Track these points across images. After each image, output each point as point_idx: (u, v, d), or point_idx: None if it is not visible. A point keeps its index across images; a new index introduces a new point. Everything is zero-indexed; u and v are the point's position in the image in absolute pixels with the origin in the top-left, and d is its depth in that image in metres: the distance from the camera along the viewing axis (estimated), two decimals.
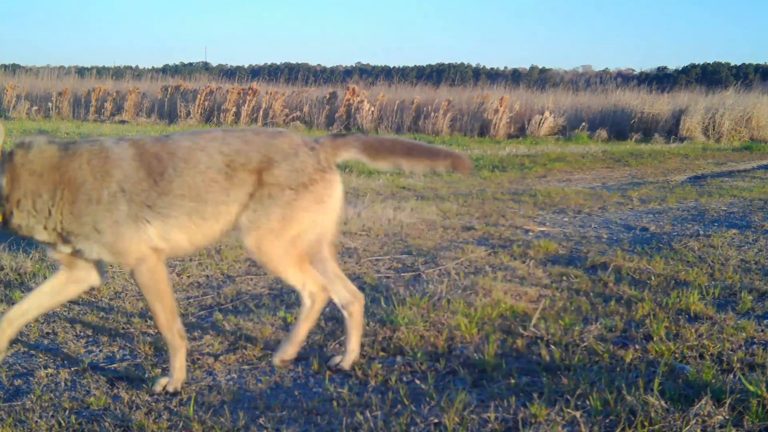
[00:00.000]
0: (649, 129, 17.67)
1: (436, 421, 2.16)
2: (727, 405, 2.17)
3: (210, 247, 4.41)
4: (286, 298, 3.44)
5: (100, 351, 2.78)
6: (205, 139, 2.43)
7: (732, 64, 48.30)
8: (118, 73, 31.54)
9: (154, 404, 2.29)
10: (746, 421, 2.11)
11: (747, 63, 47.35)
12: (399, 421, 2.15)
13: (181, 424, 2.15)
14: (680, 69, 47.36)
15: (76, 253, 2.34)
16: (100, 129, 16.28)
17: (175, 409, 2.25)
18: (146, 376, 2.51)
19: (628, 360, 2.61)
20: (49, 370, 2.57)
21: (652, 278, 3.79)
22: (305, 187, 2.39)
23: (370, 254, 4.39)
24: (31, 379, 2.50)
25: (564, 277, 3.84)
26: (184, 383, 2.40)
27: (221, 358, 2.69)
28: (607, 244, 4.78)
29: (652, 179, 9.28)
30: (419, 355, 2.67)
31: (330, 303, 3.27)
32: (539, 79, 39.81)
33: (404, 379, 2.50)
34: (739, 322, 3.05)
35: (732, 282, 3.75)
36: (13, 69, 27.76)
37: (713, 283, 3.73)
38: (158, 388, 2.37)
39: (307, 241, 2.44)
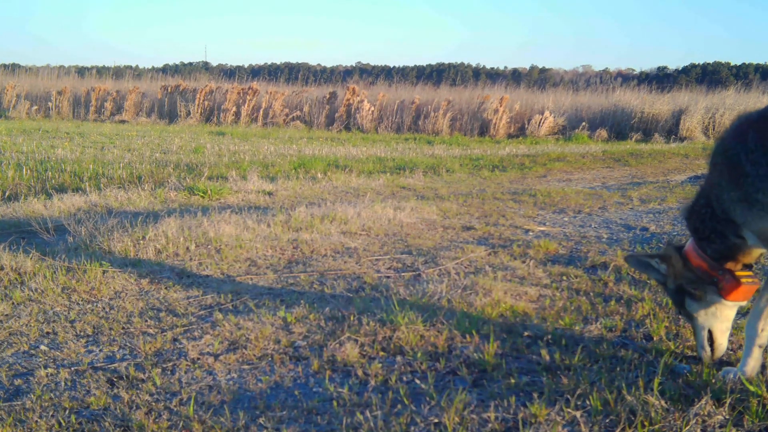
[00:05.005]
0: (649, 129, 17.69)
1: (436, 420, 2.16)
2: (727, 405, 2.17)
3: (210, 247, 4.41)
4: (286, 298, 3.45)
5: (100, 351, 2.78)
6: None
7: (732, 64, 48.30)
8: (118, 73, 31.55)
9: (154, 404, 2.29)
10: (746, 421, 2.11)
11: (747, 63, 47.34)
12: (399, 420, 2.15)
13: (181, 424, 2.15)
14: (680, 69, 47.38)
15: None
16: (100, 129, 16.29)
17: (175, 409, 2.25)
18: (146, 375, 2.51)
19: (628, 360, 2.61)
20: (49, 370, 2.57)
21: None
22: None
23: (370, 254, 4.39)
24: (31, 379, 2.50)
25: (564, 277, 3.84)
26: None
27: (221, 358, 2.69)
28: (607, 243, 4.78)
29: (652, 179, 9.28)
30: (419, 355, 2.67)
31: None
32: (539, 79, 39.83)
33: (404, 379, 2.49)
34: (739, 322, 3.05)
35: None
36: (13, 69, 27.79)
37: None
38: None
39: None
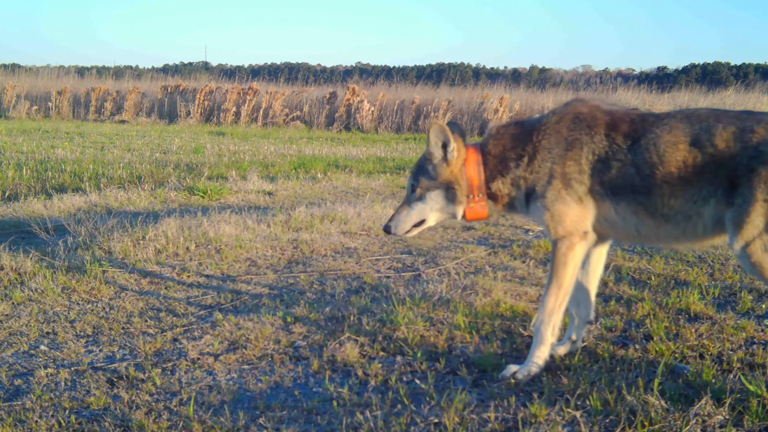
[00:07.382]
0: None
1: (436, 420, 2.16)
2: (727, 405, 2.17)
3: (210, 247, 4.41)
4: (286, 298, 3.45)
5: (100, 351, 2.78)
6: None
7: (732, 64, 48.16)
8: (118, 73, 31.55)
9: (154, 404, 2.29)
10: (746, 421, 2.11)
11: (747, 63, 47.18)
12: (399, 421, 2.15)
13: (181, 424, 2.15)
14: (680, 69, 47.24)
15: None
16: (100, 129, 16.29)
17: (175, 409, 2.25)
18: (146, 375, 2.51)
19: (628, 360, 2.61)
20: (49, 370, 2.57)
21: (652, 278, 3.79)
22: None
23: (370, 254, 4.39)
24: (31, 379, 2.50)
25: None
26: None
27: (221, 358, 2.69)
28: None
29: None
30: (419, 355, 2.67)
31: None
32: (539, 79, 39.77)
33: (404, 379, 2.50)
34: (739, 322, 3.05)
35: (732, 282, 3.75)
36: (13, 69, 27.76)
37: (713, 283, 3.73)
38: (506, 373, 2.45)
39: None
